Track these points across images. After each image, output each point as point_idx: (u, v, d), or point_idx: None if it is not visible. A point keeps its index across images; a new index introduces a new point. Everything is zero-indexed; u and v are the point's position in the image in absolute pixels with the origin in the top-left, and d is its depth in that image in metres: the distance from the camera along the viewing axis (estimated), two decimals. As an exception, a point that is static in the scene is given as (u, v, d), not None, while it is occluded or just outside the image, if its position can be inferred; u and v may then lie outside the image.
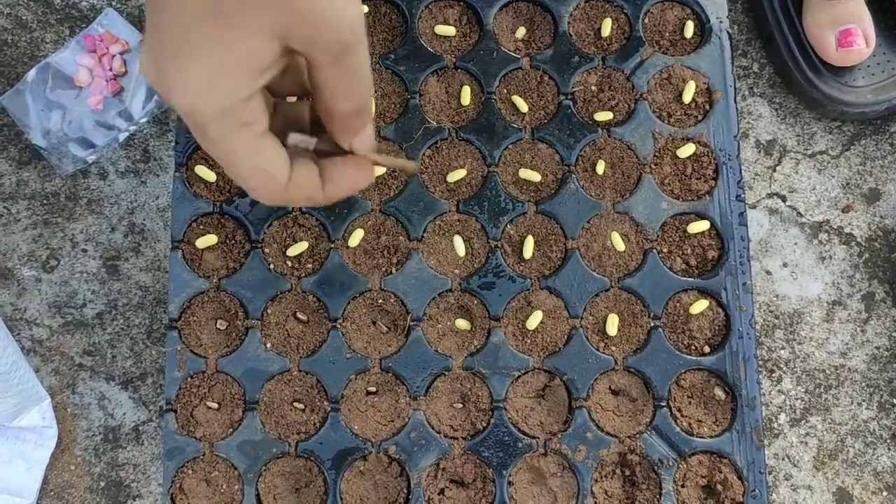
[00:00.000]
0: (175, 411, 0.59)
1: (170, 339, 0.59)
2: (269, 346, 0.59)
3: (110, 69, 0.73)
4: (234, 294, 0.60)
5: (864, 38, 0.70)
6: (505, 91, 0.63)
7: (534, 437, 0.58)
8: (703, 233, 0.61)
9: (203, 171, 0.61)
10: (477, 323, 0.60)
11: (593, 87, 0.63)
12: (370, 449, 0.58)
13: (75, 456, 0.69)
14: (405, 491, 0.57)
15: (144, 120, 0.73)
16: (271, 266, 0.60)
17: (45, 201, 0.72)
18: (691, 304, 0.60)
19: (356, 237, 0.60)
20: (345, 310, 0.59)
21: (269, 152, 0.41)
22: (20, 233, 0.72)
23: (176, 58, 0.37)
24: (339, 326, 0.59)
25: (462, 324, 0.59)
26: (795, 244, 0.72)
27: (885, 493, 0.69)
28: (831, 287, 0.72)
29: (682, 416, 0.58)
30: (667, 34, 0.64)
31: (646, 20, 0.64)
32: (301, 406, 0.59)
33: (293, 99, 0.45)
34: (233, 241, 0.61)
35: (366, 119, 0.43)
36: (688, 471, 0.58)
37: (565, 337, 0.59)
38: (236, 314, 0.60)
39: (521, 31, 0.64)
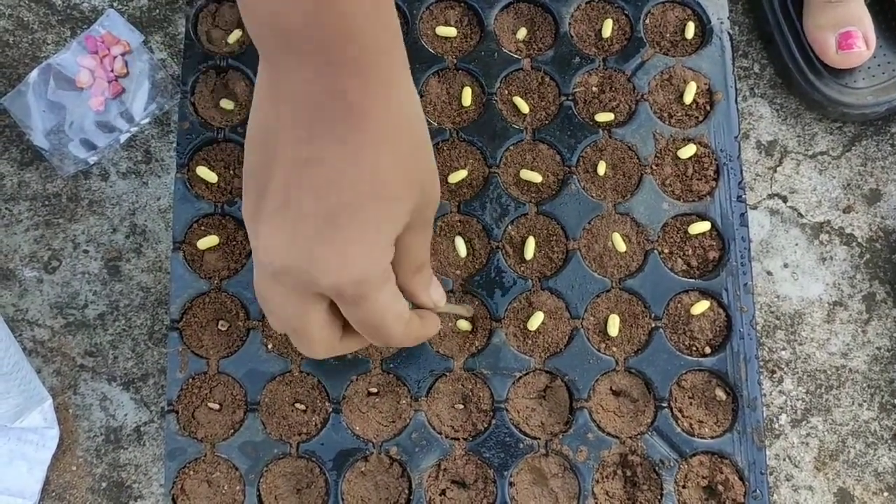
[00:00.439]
0: (176, 412, 0.59)
1: (171, 340, 0.59)
2: (270, 346, 0.59)
3: (112, 70, 0.73)
4: (235, 295, 0.60)
5: (864, 40, 0.70)
6: (506, 92, 0.63)
7: (535, 438, 0.58)
8: (704, 233, 0.61)
9: (204, 172, 0.61)
10: (478, 324, 0.60)
11: (594, 88, 0.63)
12: (371, 450, 0.58)
13: (77, 457, 0.69)
14: (406, 492, 0.58)
15: (146, 121, 0.73)
16: (273, 267, 0.60)
17: (46, 202, 0.72)
18: (692, 305, 0.60)
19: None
20: (346, 311, 0.59)
21: (402, 301, 0.49)
22: (22, 234, 0.72)
23: (331, 241, 0.43)
24: (340, 327, 0.59)
25: (463, 324, 0.59)
26: (796, 245, 0.72)
27: (886, 494, 0.69)
28: (832, 288, 0.72)
29: (683, 416, 0.58)
30: (668, 35, 0.64)
31: (647, 21, 0.64)
32: (302, 407, 0.59)
33: None
34: (234, 242, 0.61)
35: (429, 272, 0.51)
36: (689, 471, 0.58)
37: (566, 338, 0.59)
38: (237, 315, 0.60)
39: (522, 32, 0.64)
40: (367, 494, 0.58)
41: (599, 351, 0.59)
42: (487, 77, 0.63)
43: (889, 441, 0.69)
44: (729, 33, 0.64)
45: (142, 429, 0.69)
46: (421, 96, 0.62)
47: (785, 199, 0.73)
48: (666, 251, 0.61)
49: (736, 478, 0.57)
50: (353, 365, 0.59)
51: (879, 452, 0.69)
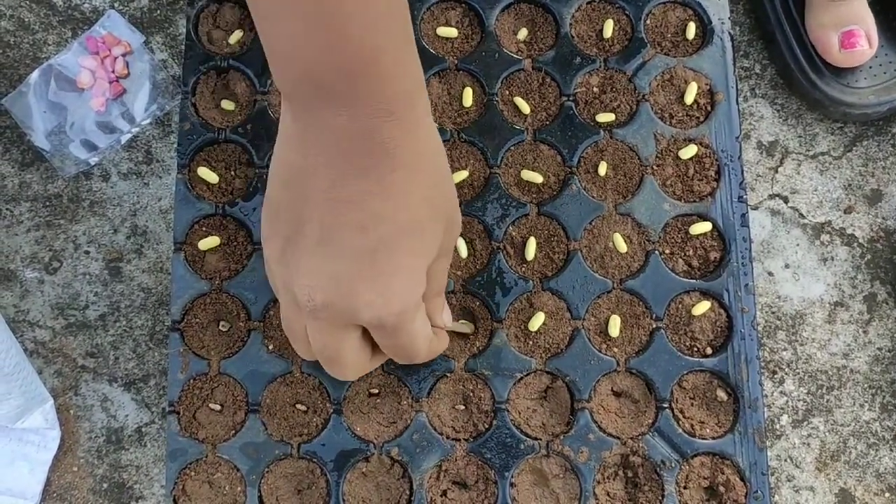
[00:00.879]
0: (178, 413, 0.59)
1: (172, 341, 0.59)
2: (271, 347, 0.59)
3: (112, 71, 0.73)
4: (236, 296, 0.60)
5: (866, 38, 0.70)
6: (507, 92, 0.63)
7: (536, 439, 0.58)
8: (705, 234, 0.61)
9: (205, 173, 0.61)
10: (479, 325, 0.60)
11: (595, 89, 0.63)
12: (372, 450, 0.58)
13: (78, 457, 0.69)
14: (407, 492, 0.58)
15: (147, 122, 0.73)
16: (273, 268, 0.60)
17: (47, 203, 0.72)
18: (693, 306, 0.60)
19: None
20: (347, 311, 0.59)
21: (429, 324, 0.52)
22: (23, 234, 0.72)
23: (372, 276, 0.46)
24: (341, 328, 0.59)
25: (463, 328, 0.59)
26: (797, 245, 0.72)
27: (887, 495, 0.69)
28: (833, 288, 0.72)
29: (684, 417, 0.58)
30: (668, 35, 0.64)
31: (647, 21, 0.64)
32: (303, 408, 0.59)
33: None
34: (235, 243, 0.61)
35: (443, 296, 0.55)
36: (690, 472, 0.58)
37: (567, 338, 0.59)
38: (238, 316, 0.60)
39: (522, 33, 0.64)
40: (368, 495, 0.58)
41: (600, 352, 0.59)
42: (488, 77, 0.63)
43: (890, 442, 0.69)
44: (730, 34, 0.64)
45: (143, 430, 0.69)
46: (422, 97, 0.62)
47: (786, 200, 0.73)
48: (667, 252, 0.61)
49: (737, 478, 0.57)
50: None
51: (881, 453, 0.69)
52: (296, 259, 0.47)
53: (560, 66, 0.63)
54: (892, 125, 0.75)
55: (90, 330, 0.70)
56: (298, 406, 0.59)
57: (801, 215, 0.73)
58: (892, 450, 0.69)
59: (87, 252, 0.72)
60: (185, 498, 0.58)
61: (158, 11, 0.76)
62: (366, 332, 0.50)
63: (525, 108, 0.62)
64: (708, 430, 0.58)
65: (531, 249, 0.60)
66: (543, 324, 0.59)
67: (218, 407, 0.59)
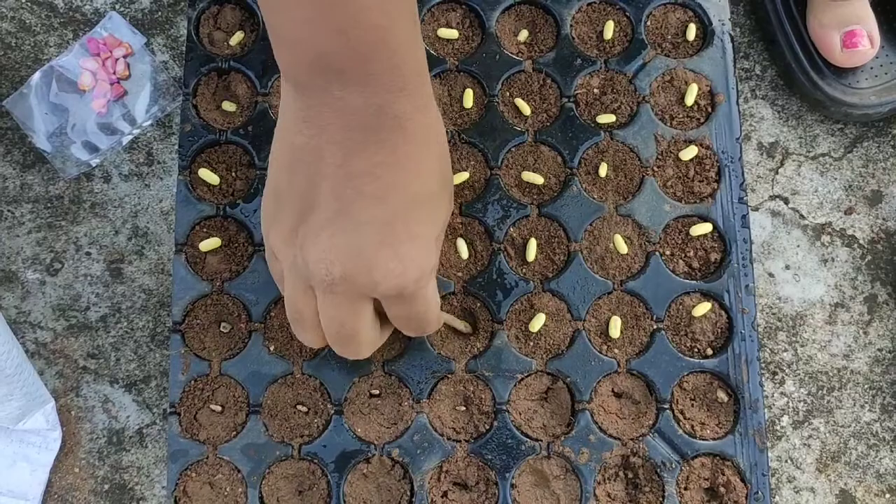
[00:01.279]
0: (179, 414, 0.59)
1: (173, 342, 0.59)
2: (272, 348, 0.59)
3: (114, 73, 0.73)
4: (237, 297, 0.60)
5: (868, 39, 0.70)
6: (507, 94, 0.63)
7: (537, 440, 0.58)
8: (705, 235, 0.61)
9: (206, 174, 0.61)
10: (480, 325, 0.60)
11: (595, 90, 0.63)
12: (373, 451, 0.58)
13: (79, 459, 0.69)
14: (408, 493, 0.58)
15: (148, 123, 0.73)
16: (274, 269, 0.60)
17: (48, 204, 0.73)
18: (694, 307, 0.60)
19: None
20: (348, 313, 0.60)
21: (436, 291, 0.52)
22: (24, 236, 0.72)
23: (391, 244, 0.46)
24: (342, 329, 0.59)
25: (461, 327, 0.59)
26: (798, 246, 0.72)
27: (887, 496, 0.69)
28: (834, 289, 0.72)
29: (684, 418, 0.58)
30: (669, 37, 0.64)
31: (648, 23, 0.64)
32: (304, 409, 0.59)
33: None
34: (236, 244, 0.61)
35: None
36: (690, 473, 0.58)
37: (568, 339, 0.59)
38: (239, 317, 0.60)
39: (523, 34, 0.64)
40: (368, 496, 0.58)
41: (601, 353, 0.59)
42: (489, 79, 0.63)
43: (891, 442, 0.69)
44: (730, 35, 0.64)
45: (144, 431, 0.69)
46: (422, 98, 0.63)
47: (786, 201, 0.73)
48: (667, 253, 0.61)
49: (738, 479, 0.57)
50: (355, 367, 0.59)
51: (881, 454, 0.69)
52: (310, 237, 0.46)
53: (560, 67, 0.63)
54: (892, 126, 0.75)
55: (91, 331, 0.71)
56: (299, 407, 0.59)
57: (802, 216, 0.73)
58: (892, 451, 0.69)
59: (88, 253, 0.72)
60: (187, 499, 0.58)
61: (160, 13, 0.76)
62: (376, 306, 0.50)
63: (526, 109, 0.62)
64: (708, 431, 0.58)
65: (532, 250, 0.60)
66: (544, 325, 0.59)
67: (219, 408, 0.59)
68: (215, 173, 0.62)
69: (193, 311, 0.60)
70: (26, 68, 0.75)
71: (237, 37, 0.64)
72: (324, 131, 0.45)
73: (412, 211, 0.47)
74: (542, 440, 0.58)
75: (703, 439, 0.58)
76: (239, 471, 0.58)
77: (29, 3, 0.77)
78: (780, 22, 0.73)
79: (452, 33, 0.64)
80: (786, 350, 0.70)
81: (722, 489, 0.57)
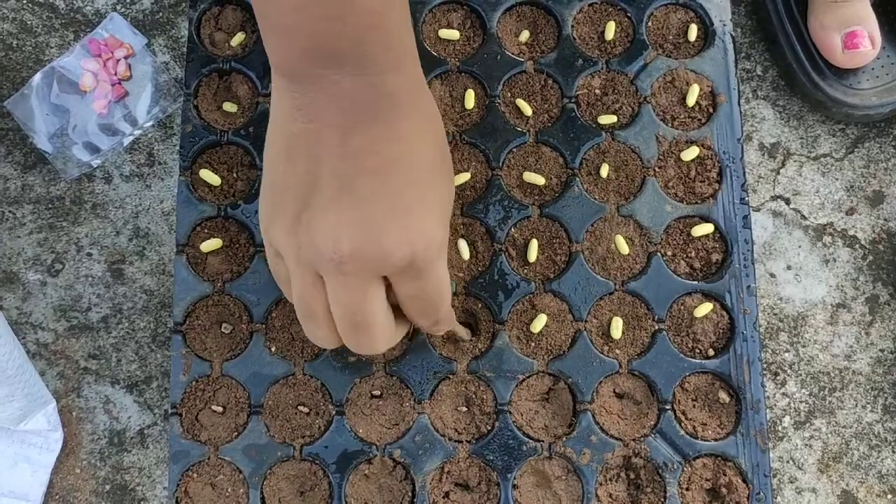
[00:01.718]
0: (180, 415, 0.59)
1: (174, 343, 0.59)
2: (273, 349, 0.59)
3: (115, 73, 0.73)
4: (238, 298, 0.60)
5: (870, 39, 0.70)
6: (509, 94, 0.63)
7: (538, 441, 0.58)
8: (707, 236, 0.61)
9: (207, 175, 0.61)
10: (481, 326, 0.60)
11: (597, 91, 0.63)
12: (375, 452, 0.58)
13: (80, 460, 0.69)
14: (410, 494, 0.58)
15: (149, 124, 0.73)
16: (276, 270, 0.60)
17: (49, 205, 0.73)
18: (695, 307, 0.60)
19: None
20: (349, 313, 0.59)
21: (447, 272, 0.51)
22: (25, 237, 0.72)
23: (400, 215, 0.46)
24: (343, 330, 0.59)
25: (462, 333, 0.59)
26: (799, 247, 0.72)
27: (889, 496, 0.69)
28: (835, 290, 0.72)
29: (686, 419, 0.58)
30: (670, 37, 0.64)
31: (649, 23, 0.64)
32: (306, 409, 0.59)
33: None
34: (237, 245, 0.61)
35: None
36: (692, 474, 0.58)
37: (569, 340, 0.59)
38: (241, 318, 0.60)
39: (524, 35, 0.64)
40: (370, 497, 0.58)
41: (603, 353, 0.59)
42: (490, 79, 0.63)
43: (893, 443, 0.69)
44: (731, 35, 0.64)
45: (145, 432, 0.69)
46: (424, 99, 0.63)
47: (788, 201, 0.73)
48: (669, 253, 0.61)
49: (739, 480, 0.57)
50: (357, 368, 0.59)
51: (883, 454, 0.69)
52: (315, 218, 0.46)
53: (562, 68, 0.63)
54: (893, 126, 0.75)
55: (92, 332, 0.71)
56: (301, 408, 0.59)
57: (803, 217, 0.73)
58: (894, 451, 0.69)
59: (89, 254, 0.72)
60: (188, 500, 0.58)
61: (161, 14, 0.76)
62: (389, 295, 0.49)
63: (527, 109, 0.62)
64: (710, 432, 0.58)
65: (533, 251, 0.60)
66: (545, 325, 0.59)
67: (220, 409, 0.59)
68: (216, 174, 0.62)
69: (195, 312, 0.60)
70: (27, 69, 0.75)
71: (238, 38, 0.64)
72: (319, 116, 0.45)
73: (416, 181, 0.47)
74: (543, 441, 0.58)
75: (705, 440, 0.58)
76: (240, 471, 0.58)
77: (30, 4, 0.77)
78: (782, 23, 0.73)
79: (454, 34, 0.64)
80: (787, 350, 0.70)
81: (724, 490, 0.57)
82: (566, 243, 0.61)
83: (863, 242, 0.73)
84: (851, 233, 0.73)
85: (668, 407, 0.58)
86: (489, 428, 0.58)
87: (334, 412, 0.58)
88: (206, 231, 0.61)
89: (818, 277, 0.72)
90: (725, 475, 0.57)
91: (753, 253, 0.61)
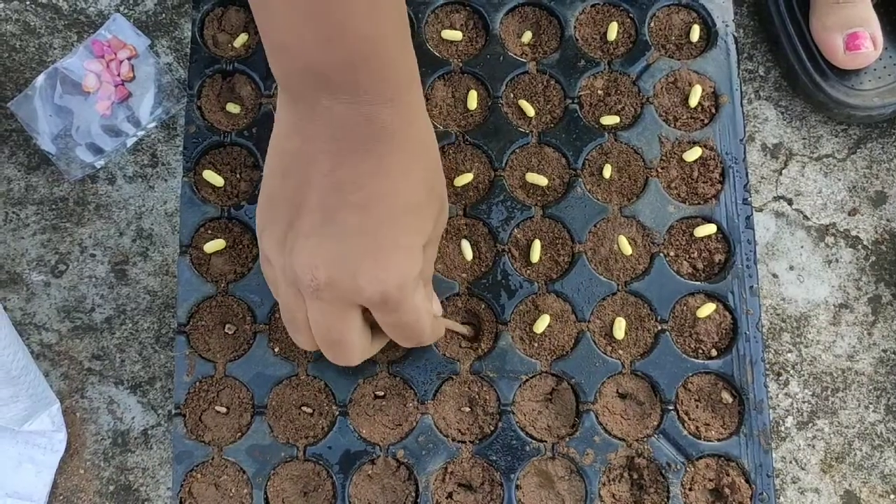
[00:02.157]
0: (184, 415, 0.59)
1: (178, 344, 0.60)
2: (276, 350, 0.59)
3: (118, 74, 0.73)
4: (242, 298, 0.60)
5: (871, 41, 0.70)
6: (511, 95, 0.63)
7: (541, 441, 0.58)
8: (709, 236, 0.61)
9: (211, 176, 0.61)
10: (484, 327, 0.60)
11: (599, 91, 0.63)
12: (378, 453, 0.58)
13: (84, 460, 0.69)
14: (413, 495, 0.58)
15: (152, 125, 0.74)
16: (279, 270, 0.60)
17: (53, 206, 0.73)
18: (698, 308, 0.60)
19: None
20: (352, 314, 0.60)
21: (428, 302, 0.52)
22: (29, 238, 0.72)
23: (374, 252, 0.47)
24: (346, 331, 0.59)
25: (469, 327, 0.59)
26: (802, 247, 0.72)
27: (892, 497, 0.69)
28: (838, 290, 0.72)
29: (689, 419, 0.59)
30: (673, 38, 0.64)
31: (652, 24, 0.65)
32: (309, 410, 0.59)
33: None
34: (240, 246, 0.61)
35: (430, 284, 0.56)
36: (695, 474, 0.58)
37: (572, 341, 0.59)
38: (244, 319, 0.60)
39: (527, 36, 0.64)
40: (373, 497, 0.58)
41: (606, 354, 0.59)
42: (493, 80, 0.63)
43: (895, 443, 0.69)
44: (734, 36, 0.64)
45: (149, 432, 0.69)
46: (427, 100, 0.63)
47: (790, 202, 0.73)
48: (672, 254, 0.61)
49: (742, 480, 0.57)
50: (360, 368, 0.59)
51: (886, 455, 0.69)
52: (297, 243, 0.47)
53: (564, 68, 0.64)
54: (895, 127, 0.75)
55: (96, 333, 0.71)
56: (304, 408, 0.59)
57: (806, 217, 0.73)
58: (897, 451, 0.69)
59: (92, 255, 0.72)
60: (192, 500, 0.58)
61: (164, 15, 0.76)
62: (367, 315, 0.50)
63: (530, 110, 0.63)
64: (713, 432, 0.58)
65: (536, 252, 0.60)
66: (549, 326, 0.59)
67: (224, 409, 0.59)
68: (220, 175, 0.62)
69: (198, 313, 0.60)
70: (31, 70, 0.75)
71: (241, 39, 0.64)
72: (313, 139, 0.46)
73: (397, 220, 0.47)
74: (546, 441, 0.58)
75: (708, 440, 0.58)
76: (244, 472, 0.58)
77: (33, 6, 0.77)
78: (784, 23, 0.73)
79: (456, 35, 0.64)
80: (790, 351, 0.70)
81: (727, 490, 0.57)
82: (569, 244, 0.61)
83: (865, 243, 0.73)
84: (854, 233, 0.73)
85: (671, 407, 0.58)
86: (492, 428, 0.58)
87: (338, 413, 0.58)
88: (209, 232, 0.61)
89: (821, 278, 0.72)
90: (728, 475, 0.57)
91: (756, 253, 0.61)
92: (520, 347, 0.59)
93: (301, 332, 0.52)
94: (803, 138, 0.74)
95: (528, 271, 0.60)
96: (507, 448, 0.58)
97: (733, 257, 0.60)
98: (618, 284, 0.60)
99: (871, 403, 0.70)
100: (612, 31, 0.64)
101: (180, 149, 0.73)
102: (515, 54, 0.64)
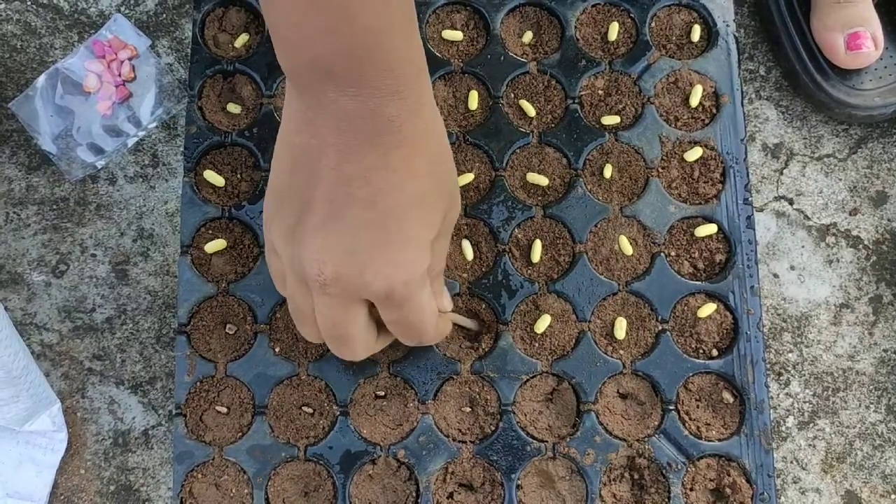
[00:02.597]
0: (185, 416, 0.59)
1: (179, 344, 0.60)
2: (277, 350, 0.59)
3: (119, 75, 0.73)
4: (242, 298, 0.60)
5: (872, 40, 0.70)
6: (512, 95, 0.63)
7: (542, 441, 0.58)
8: (710, 236, 0.61)
9: (212, 176, 0.61)
10: (485, 326, 0.60)
11: (600, 91, 0.63)
12: (379, 453, 0.58)
13: (85, 460, 0.69)
14: (414, 495, 0.58)
15: (153, 125, 0.74)
16: (280, 270, 0.60)
17: (54, 206, 0.73)
18: (699, 308, 0.60)
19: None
20: (353, 314, 0.60)
21: (433, 299, 0.52)
22: (30, 238, 0.72)
23: (382, 247, 0.47)
24: (347, 331, 0.59)
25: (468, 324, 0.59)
26: (803, 247, 0.72)
27: (893, 497, 0.69)
28: (839, 290, 0.72)
29: (690, 419, 0.59)
30: (674, 38, 0.64)
31: (652, 24, 0.65)
32: (310, 410, 0.59)
33: None
34: (241, 246, 0.61)
35: (442, 278, 0.56)
36: (696, 474, 0.58)
37: (573, 341, 0.59)
38: (245, 319, 0.60)
39: (528, 36, 0.64)
40: (374, 497, 0.58)
41: (606, 354, 0.59)
42: (493, 81, 0.63)
43: (896, 443, 0.69)
44: (735, 36, 0.64)
45: (150, 432, 0.69)
46: (427, 100, 0.63)
47: (791, 202, 0.73)
48: (672, 254, 0.61)
49: (743, 480, 0.57)
50: (361, 368, 0.59)
51: (887, 455, 0.69)
52: (305, 237, 0.47)
53: (565, 68, 0.64)
54: (897, 127, 0.75)
55: (97, 333, 0.71)
56: (305, 408, 0.59)
57: (807, 217, 0.73)
58: (898, 452, 0.69)
59: (93, 255, 0.72)
60: (192, 500, 0.58)
61: (165, 15, 0.76)
62: (372, 311, 0.50)
63: (530, 110, 0.63)
64: (714, 432, 0.58)
65: (537, 252, 0.60)
66: (549, 326, 0.59)
67: (224, 409, 0.59)
68: (220, 175, 0.62)
69: (199, 313, 0.60)
70: (31, 71, 0.75)
71: (242, 39, 0.64)
72: (320, 133, 0.46)
73: (404, 214, 0.47)
74: (547, 441, 0.58)
75: (709, 440, 0.58)
76: (245, 472, 0.58)
77: (34, 6, 0.77)
78: (784, 23, 0.73)
79: (457, 35, 0.64)
80: (791, 351, 0.70)
81: (728, 490, 0.57)
82: (570, 244, 0.61)
83: (866, 243, 0.73)
84: (855, 233, 0.73)
85: (671, 407, 0.58)
86: (493, 428, 0.58)
87: (338, 413, 0.58)
88: (210, 232, 0.61)
89: (821, 278, 0.72)
90: (729, 475, 0.57)
91: (757, 253, 0.61)
92: (520, 347, 0.59)
93: (307, 325, 0.52)
94: (804, 138, 0.74)
95: (529, 271, 0.60)
96: (507, 448, 0.58)
97: (734, 257, 0.60)
98: (618, 284, 0.60)
99: (872, 403, 0.70)
100: (613, 31, 0.64)
101: (181, 149, 0.73)
102: (516, 54, 0.64)
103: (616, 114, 0.63)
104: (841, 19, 0.70)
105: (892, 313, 0.71)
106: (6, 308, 0.71)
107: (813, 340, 0.71)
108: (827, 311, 0.71)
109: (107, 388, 0.70)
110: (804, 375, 0.70)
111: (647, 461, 0.58)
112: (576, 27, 0.64)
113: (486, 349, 0.59)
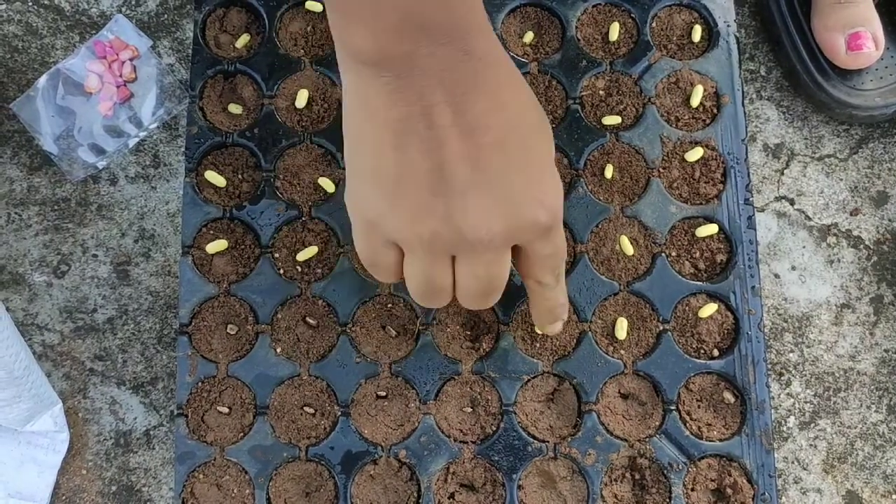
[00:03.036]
0: (186, 416, 0.59)
1: (180, 344, 0.60)
2: (278, 350, 0.59)
3: (120, 75, 0.73)
4: (244, 299, 0.60)
5: (873, 41, 0.70)
6: (513, 96, 0.63)
7: (543, 441, 0.58)
8: (711, 236, 0.61)
9: (213, 177, 0.61)
10: (485, 328, 0.60)
11: (601, 92, 0.63)
12: (380, 453, 0.58)
13: (87, 460, 0.69)
14: (415, 495, 0.58)
15: (154, 126, 0.74)
16: (281, 271, 0.60)
17: (55, 207, 0.73)
18: (700, 308, 0.60)
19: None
20: (354, 314, 0.60)
21: None
22: (31, 238, 0.72)
23: (535, 183, 0.47)
24: (348, 331, 0.59)
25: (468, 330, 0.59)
26: (804, 247, 0.72)
27: (894, 497, 0.69)
28: (840, 290, 0.72)
29: (691, 419, 0.59)
30: (674, 38, 0.64)
31: (653, 24, 0.65)
32: (311, 410, 0.59)
33: None
34: (242, 246, 0.61)
35: None
36: (697, 474, 0.58)
37: (574, 341, 0.59)
38: (246, 319, 0.60)
39: (528, 36, 0.64)
40: (376, 498, 0.58)
41: (607, 354, 0.59)
42: (494, 81, 0.63)
43: (897, 443, 0.69)
44: (736, 36, 0.64)
45: (151, 433, 0.69)
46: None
47: (792, 202, 0.73)
48: (673, 254, 0.61)
49: (744, 481, 0.57)
50: (362, 369, 0.59)
51: (888, 455, 0.69)
52: (454, 204, 0.45)
53: (566, 69, 0.64)
54: (898, 127, 0.75)
55: (98, 333, 0.71)
56: (306, 409, 0.59)
57: (808, 217, 0.73)
58: (899, 452, 0.69)
59: (95, 256, 0.72)
60: (194, 501, 0.58)
61: (166, 16, 0.76)
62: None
63: (531, 111, 0.63)
64: (715, 433, 0.58)
65: (538, 252, 0.60)
66: (550, 326, 0.59)
67: (226, 410, 0.59)
68: (222, 175, 0.62)
69: (200, 313, 0.60)
70: (33, 71, 0.75)
71: (243, 39, 0.64)
72: (422, 96, 0.44)
73: (532, 147, 0.47)
74: (548, 441, 0.58)
75: (710, 440, 0.58)
76: (246, 472, 0.58)
77: (36, 7, 0.77)
78: (785, 24, 0.73)
79: (458, 35, 0.64)
80: (792, 351, 0.70)
81: (729, 490, 0.57)
82: (571, 244, 0.61)
83: (867, 243, 0.73)
84: (856, 233, 0.73)
85: (673, 407, 0.58)
86: (494, 429, 0.58)
87: (340, 413, 0.59)
88: (211, 232, 0.61)
89: (822, 278, 0.72)
90: (730, 476, 0.57)
91: (758, 253, 0.61)
92: (522, 348, 0.59)
93: (443, 301, 0.50)
94: (805, 138, 0.74)
95: (530, 271, 0.60)
96: (509, 448, 0.58)
97: (735, 257, 0.60)
98: (619, 284, 0.60)
99: (873, 403, 0.70)
100: (614, 32, 0.64)
101: (182, 149, 0.73)
102: (517, 55, 0.64)
103: (617, 114, 0.63)
104: (842, 19, 0.70)
105: (893, 313, 0.71)
106: (8, 308, 0.71)
107: (814, 341, 0.71)
108: (828, 311, 0.71)
109: (108, 389, 0.70)
110: (805, 375, 0.70)
111: (649, 461, 0.58)
112: (576, 27, 0.64)
113: (488, 349, 0.59)
